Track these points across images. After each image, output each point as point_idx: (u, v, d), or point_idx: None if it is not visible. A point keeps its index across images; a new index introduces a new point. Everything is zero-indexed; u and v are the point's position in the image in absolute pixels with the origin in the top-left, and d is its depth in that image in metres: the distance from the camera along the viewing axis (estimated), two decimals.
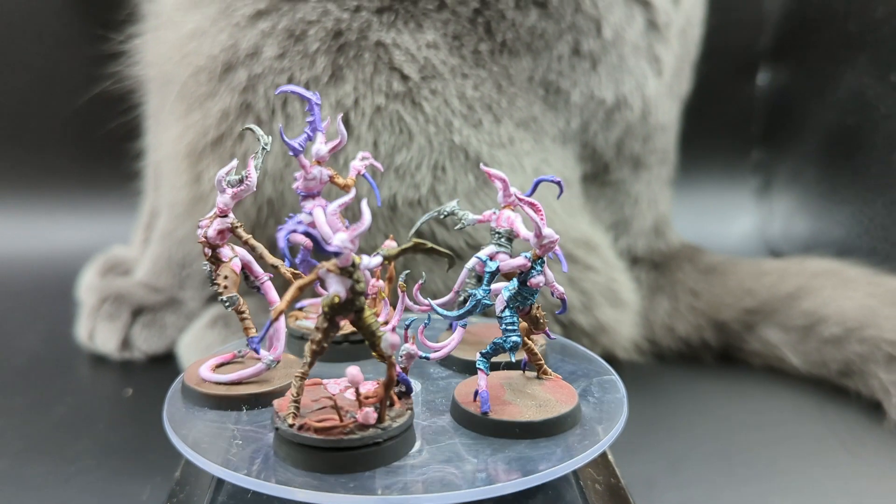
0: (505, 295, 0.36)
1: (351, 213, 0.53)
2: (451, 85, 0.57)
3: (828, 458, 0.56)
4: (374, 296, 0.43)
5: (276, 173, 0.56)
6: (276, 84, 0.56)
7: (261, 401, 0.38)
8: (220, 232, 0.38)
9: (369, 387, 0.35)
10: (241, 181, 0.38)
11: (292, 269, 0.42)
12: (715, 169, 1.01)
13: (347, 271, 0.31)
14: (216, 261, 0.39)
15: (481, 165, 0.40)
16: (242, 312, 0.40)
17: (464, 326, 0.40)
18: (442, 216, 0.40)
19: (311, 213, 0.31)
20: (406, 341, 0.36)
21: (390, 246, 0.39)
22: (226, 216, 0.39)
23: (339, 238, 0.30)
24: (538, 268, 0.35)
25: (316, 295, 0.43)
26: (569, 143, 0.63)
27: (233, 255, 0.39)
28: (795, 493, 0.52)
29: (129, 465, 0.54)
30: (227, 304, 0.39)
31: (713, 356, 0.71)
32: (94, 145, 0.98)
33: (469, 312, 0.36)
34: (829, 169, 0.88)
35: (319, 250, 0.30)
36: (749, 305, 0.69)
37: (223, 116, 0.57)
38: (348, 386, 0.36)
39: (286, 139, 0.37)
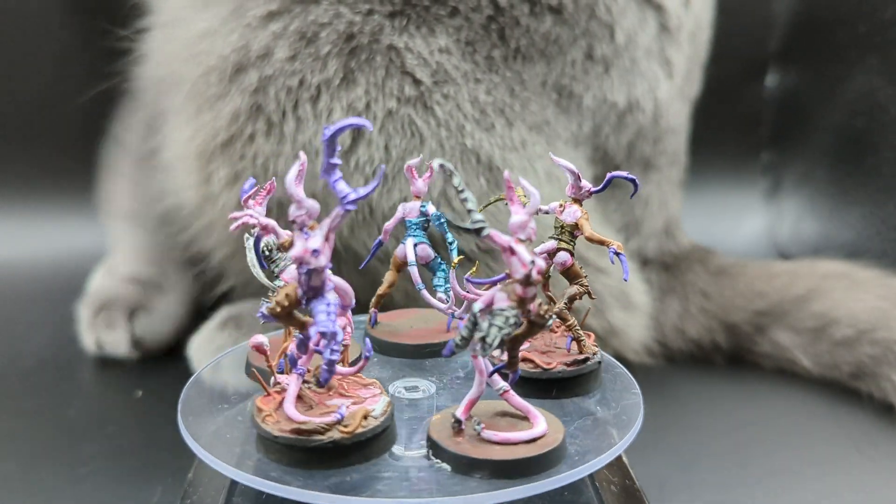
0: None
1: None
2: (464, 89, 0.57)
3: (839, 460, 0.56)
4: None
5: None
6: (287, 86, 0.56)
7: None
8: None
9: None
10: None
11: None
12: (724, 171, 1.01)
13: None
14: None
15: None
16: None
17: None
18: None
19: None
20: None
21: None
22: None
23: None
24: None
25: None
26: (580, 145, 0.62)
27: None
28: (807, 495, 0.52)
29: (139, 467, 0.54)
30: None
31: (724, 358, 0.71)
32: (103, 146, 0.98)
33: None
34: (838, 171, 0.88)
35: None
36: (760, 307, 0.69)
37: (234, 118, 0.57)
38: None
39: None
